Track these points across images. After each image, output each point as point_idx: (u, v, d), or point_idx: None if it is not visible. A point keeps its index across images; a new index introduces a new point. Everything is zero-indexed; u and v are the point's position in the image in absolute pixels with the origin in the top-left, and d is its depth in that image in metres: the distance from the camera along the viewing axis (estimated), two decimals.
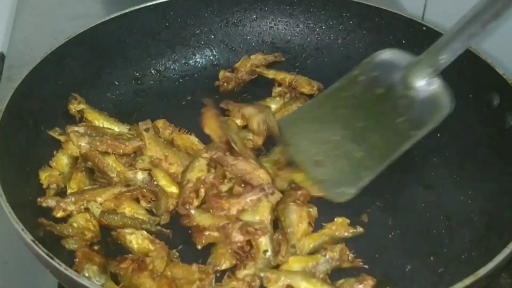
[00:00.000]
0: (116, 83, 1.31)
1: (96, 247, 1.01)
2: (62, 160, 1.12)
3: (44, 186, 1.08)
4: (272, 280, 0.95)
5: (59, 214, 1.05)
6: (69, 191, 1.09)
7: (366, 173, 1.10)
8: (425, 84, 1.15)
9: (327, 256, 0.99)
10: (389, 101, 1.17)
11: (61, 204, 1.05)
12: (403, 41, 1.31)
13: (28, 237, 0.90)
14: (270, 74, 1.34)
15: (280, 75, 1.33)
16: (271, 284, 0.95)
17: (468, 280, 0.87)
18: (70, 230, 1.01)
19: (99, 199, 1.06)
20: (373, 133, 1.14)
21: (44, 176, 1.09)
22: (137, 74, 1.34)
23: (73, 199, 1.06)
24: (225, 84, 1.31)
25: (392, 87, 1.17)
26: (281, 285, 0.94)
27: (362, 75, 1.21)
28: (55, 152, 1.14)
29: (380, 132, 1.15)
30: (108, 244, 1.04)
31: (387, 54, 1.21)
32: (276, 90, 1.31)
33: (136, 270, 0.96)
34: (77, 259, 0.96)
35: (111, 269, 0.98)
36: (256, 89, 1.33)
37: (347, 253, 1.00)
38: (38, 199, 1.06)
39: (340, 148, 1.14)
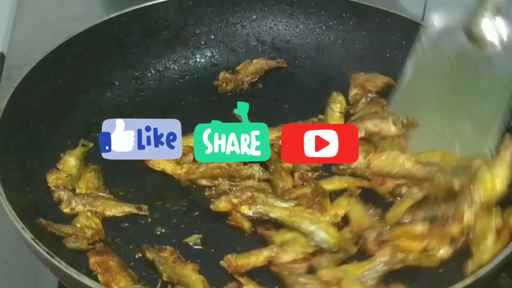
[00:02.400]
0: (116, 83, 1.31)
1: (98, 245, 1.01)
2: (69, 162, 1.12)
3: (52, 189, 1.08)
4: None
5: (66, 210, 1.05)
6: (77, 191, 1.09)
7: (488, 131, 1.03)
8: (491, 32, 1.04)
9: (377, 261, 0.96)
10: (468, 66, 1.07)
11: (72, 201, 1.05)
12: (403, 41, 1.31)
13: (28, 236, 0.90)
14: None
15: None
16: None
17: (468, 280, 0.86)
18: (70, 229, 1.01)
19: (108, 213, 1.05)
20: (470, 104, 1.05)
21: (52, 179, 1.09)
22: (137, 74, 1.34)
23: (83, 201, 1.05)
24: (224, 85, 1.31)
25: (462, 50, 1.06)
26: None
27: (427, 52, 1.10)
28: (62, 154, 1.14)
29: (476, 99, 1.05)
30: (111, 241, 1.03)
31: (438, 22, 1.09)
32: (352, 93, 1.26)
33: (178, 260, 0.95)
34: (99, 274, 0.94)
35: (149, 256, 0.98)
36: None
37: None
38: (52, 187, 1.06)
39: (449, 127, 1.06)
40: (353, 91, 1.26)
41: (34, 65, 1.16)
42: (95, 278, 0.94)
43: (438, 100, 1.09)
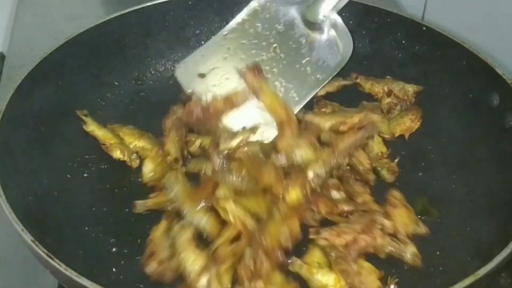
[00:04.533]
0: (116, 83, 1.31)
1: None
2: (91, 127, 1.18)
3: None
4: None
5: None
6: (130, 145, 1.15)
7: None
8: (325, 24, 1.15)
9: None
10: (291, 40, 1.16)
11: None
12: (403, 41, 1.31)
13: (28, 237, 0.90)
14: (366, 88, 1.30)
15: (376, 88, 1.30)
16: None
17: (468, 280, 0.87)
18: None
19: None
20: (282, 75, 1.15)
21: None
22: (137, 74, 1.34)
23: None
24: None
25: (293, 24, 1.16)
26: None
27: (262, 9, 1.19)
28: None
29: (287, 75, 1.15)
30: None
31: None
32: (386, 101, 1.28)
33: None
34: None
35: None
36: None
37: None
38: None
39: None
40: (386, 100, 1.28)
41: (34, 65, 1.16)
42: (95, 279, 0.94)
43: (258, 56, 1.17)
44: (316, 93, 1.20)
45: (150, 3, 1.33)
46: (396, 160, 1.16)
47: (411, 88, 1.28)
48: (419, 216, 1.07)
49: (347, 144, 1.10)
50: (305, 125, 1.14)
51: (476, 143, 1.18)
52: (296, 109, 1.16)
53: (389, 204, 1.05)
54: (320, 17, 1.15)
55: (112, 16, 1.29)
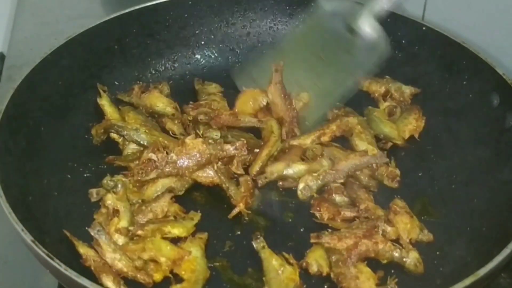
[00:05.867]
0: (116, 83, 1.31)
1: None
2: (105, 107, 1.23)
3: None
4: None
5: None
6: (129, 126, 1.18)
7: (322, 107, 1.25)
8: (368, 31, 1.23)
9: None
10: (340, 47, 1.27)
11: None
12: (403, 41, 1.31)
13: (28, 237, 0.90)
14: (364, 87, 1.32)
15: (373, 86, 1.32)
16: None
17: (468, 280, 0.87)
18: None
19: None
20: (328, 74, 1.28)
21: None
22: (137, 74, 1.34)
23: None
24: None
25: (341, 34, 1.26)
26: None
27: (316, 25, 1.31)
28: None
29: (333, 72, 1.27)
30: None
31: (331, 5, 1.28)
32: (384, 105, 1.29)
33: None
34: None
35: None
36: None
37: None
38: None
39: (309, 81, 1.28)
40: (385, 103, 1.28)
41: (34, 66, 1.16)
42: (95, 280, 0.94)
43: (306, 62, 1.30)
44: None
45: (150, 3, 1.33)
46: (392, 163, 1.16)
47: (408, 90, 1.29)
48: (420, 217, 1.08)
49: (349, 165, 1.12)
50: (289, 148, 1.18)
51: (476, 143, 1.18)
52: (330, 106, 1.25)
53: (392, 211, 1.05)
54: (361, 25, 1.24)
55: (112, 16, 1.30)
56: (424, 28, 1.29)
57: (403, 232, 1.03)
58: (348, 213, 1.07)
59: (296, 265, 1.00)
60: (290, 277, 0.98)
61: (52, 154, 1.14)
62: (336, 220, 1.06)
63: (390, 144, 1.21)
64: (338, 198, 1.10)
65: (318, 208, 1.07)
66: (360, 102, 1.29)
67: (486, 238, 1.04)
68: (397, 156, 1.19)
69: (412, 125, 1.23)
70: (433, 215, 1.11)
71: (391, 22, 1.31)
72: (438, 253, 1.04)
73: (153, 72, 1.36)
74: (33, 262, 0.95)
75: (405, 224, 1.04)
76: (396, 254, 1.01)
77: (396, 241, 1.03)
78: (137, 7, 1.32)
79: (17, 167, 1.06)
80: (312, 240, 1.03)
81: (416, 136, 1.23)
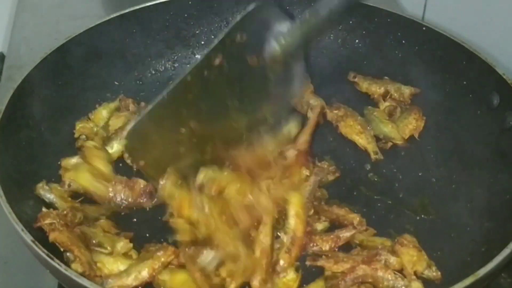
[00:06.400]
0: (116, 83, 1.31)
1: None
2: (101, 114, 1.22)
3: (76, 136, 1.18)
4: None
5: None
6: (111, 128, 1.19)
7: None
8: (291, 59, 1.05)
9: None
10: (259, 75, 1.07)
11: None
12: (403, 41, 1.31)
13: (28, 238, 0.90)
14: (364, 88, 1.31)
15: (373, 87, 1.30)
16: None
17: (468, 280, 0.87)
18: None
19: None
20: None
21: (79, 127, 1.18)
22: (137, 74, 1.34)
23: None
24: None
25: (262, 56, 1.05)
26: None
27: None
28: (97, 106, 1.24)
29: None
30: None
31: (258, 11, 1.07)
32: (384, 106, 1.28)
33: None
34: None
35: None
36: None
37: None
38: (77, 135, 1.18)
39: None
40: (385, 104, 1.28)
41: (34, 66, 1.16)
42: (95, 280, 0.94)
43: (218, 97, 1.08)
44: None
45: (150, 3, 1.33)
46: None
47: (407, 90, 1.29)
48: (418, 217, 1.08)
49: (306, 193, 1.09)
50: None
51: (476, 143, 1.18)
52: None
53: (398, 243, 1.01)
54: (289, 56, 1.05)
55: (112, 16, 1.29)
56: (424, 28, 1.29)
57: (407, 263, 0.99)
58: (346, 233, 1.05)
59: None
60: None
61: (52, 154, 1.14)
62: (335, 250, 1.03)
63: (390, 144, 1.21)
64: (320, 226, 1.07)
65: (312, 244, 1.04)
66: (360, 102, 1.29)
67: (486, 238, 1.04)
68: (397, 156, 1.19)
69: (412, 125, 1.23)
70: (432, 215, 1.11)
71: (391, 22, 1.31)
72: (438, 253, 1.04)
73: (153, 72, 1.36)
74: (33, 262, 0.95)
75: (411, 256, 0.99)
76: (397, 284, 0.97)
77: (399, 271, 0.99)
78: (137, 7, 1.32)
79: (17, 168, 1.06)
80: (307, 262, 1.01)
81: (416, 136, 1.23)
